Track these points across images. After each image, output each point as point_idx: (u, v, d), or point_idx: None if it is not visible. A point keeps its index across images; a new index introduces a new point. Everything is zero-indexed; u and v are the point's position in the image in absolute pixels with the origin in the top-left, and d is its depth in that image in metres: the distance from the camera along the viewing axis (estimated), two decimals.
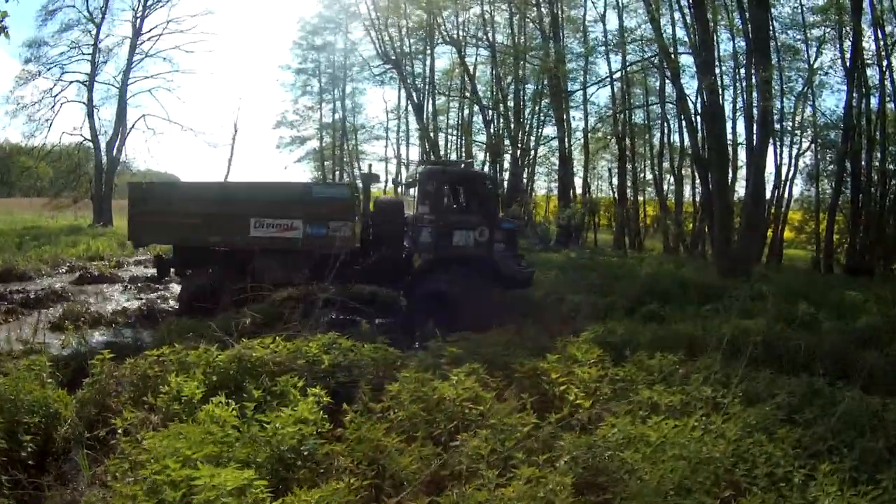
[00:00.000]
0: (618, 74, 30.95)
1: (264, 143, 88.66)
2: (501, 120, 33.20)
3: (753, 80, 20.26)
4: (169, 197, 11.10)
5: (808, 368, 6.59)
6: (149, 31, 30.99)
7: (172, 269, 11.77)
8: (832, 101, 38.91)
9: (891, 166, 25.79)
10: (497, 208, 11.01)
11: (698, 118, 24.69)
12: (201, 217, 10.53)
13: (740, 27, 24.24)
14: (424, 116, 33.35)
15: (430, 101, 34.81)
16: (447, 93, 36.62)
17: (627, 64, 30.41)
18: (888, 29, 24.83)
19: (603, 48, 30.27)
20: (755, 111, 20.91)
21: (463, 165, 12.26)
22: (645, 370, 5.77)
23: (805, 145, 28.74)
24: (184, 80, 54.22)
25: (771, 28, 22.20)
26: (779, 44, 25.99)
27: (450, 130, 37.77)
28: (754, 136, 20.83)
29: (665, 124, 31.36)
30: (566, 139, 31.53)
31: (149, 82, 31.73)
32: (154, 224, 10.90)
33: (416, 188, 11.45)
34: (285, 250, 10.42)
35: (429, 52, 33.88)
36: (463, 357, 5.76)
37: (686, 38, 24.56)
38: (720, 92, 23.03)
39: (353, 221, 10.29)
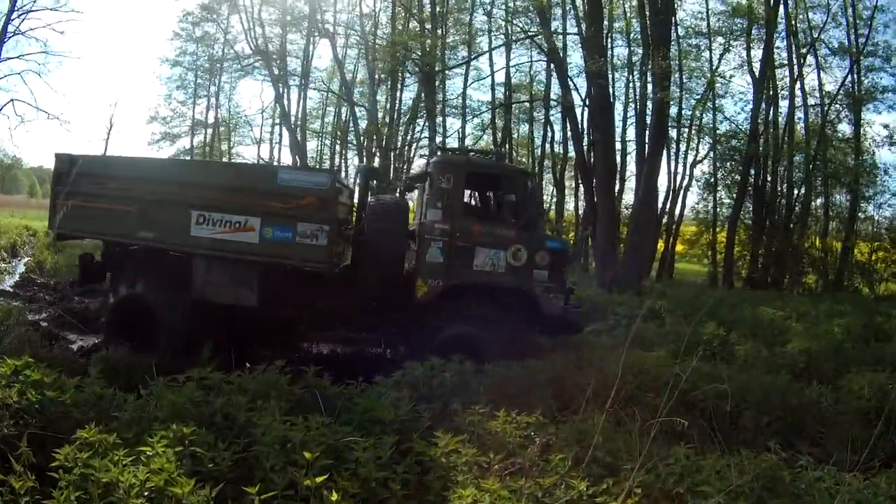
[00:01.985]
0: (500, 72, 29.63)
1: (141, 139, 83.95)
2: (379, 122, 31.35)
3: (649, 79, 19.53)
4: (102, 175, 8.02)
5: (737, 425, 5.66)
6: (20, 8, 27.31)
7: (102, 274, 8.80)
8: (733, 108, 39.99)
9: (798, 175, 25.51)
10: (539, 220, 7.87)
11: (584, 123, 23.74)
12: (134, 204, 7.68)
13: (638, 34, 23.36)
14: (297, 115, 32.25)
15: (303, 101, 33.79)
16: (323, 89, 35.00)
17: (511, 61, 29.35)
18: (801, 37, 24.78)
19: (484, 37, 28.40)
20: (648, 118, 20.00)
21: (493, 156, 8.94)
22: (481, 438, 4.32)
23: (703, 152, 28.44)
24: (63, 72, 51.42)
25: (673, 31, 21.40)
26: (680, 48, 25.10)
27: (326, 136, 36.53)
28: (646, 135, 19.64)
29: (549, 129, 30.64)
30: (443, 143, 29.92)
31: (19, 64, 28.22)
32: (81, 210, 7.98)
33: (425, 186, 8.19)
34: (236, 260, 7.43)
35: (312, 46, 32.43)
36: None
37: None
38: (612, 95, 23.45)
39: (331, 226, 7.24)
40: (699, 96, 27.02)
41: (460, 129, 30.90)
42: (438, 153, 8.41)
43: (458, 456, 3.84)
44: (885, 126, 29.33)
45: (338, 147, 35.34)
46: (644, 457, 3.72)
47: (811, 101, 25.90)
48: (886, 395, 6.40)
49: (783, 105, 25.59)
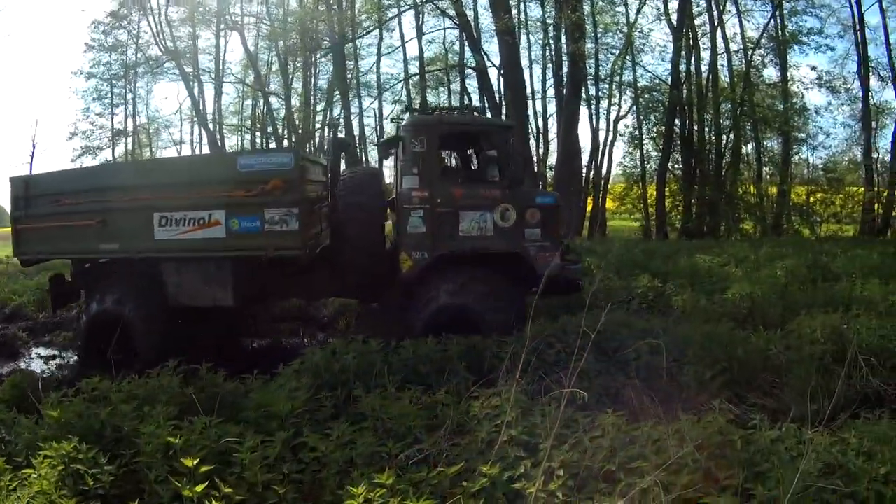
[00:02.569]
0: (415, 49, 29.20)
1: (65, 156, 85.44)
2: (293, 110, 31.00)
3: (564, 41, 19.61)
4: (56, 191, 7.58)
5: (677, 383, 5.18)
6: None
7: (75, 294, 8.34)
8: (654, 61, 38.25)
9: (726, 122, 25.19)
10: (525, 175, 7.30)
11: (502, 86, 23.27)
12: (92, 216, 7.25)
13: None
14: (214, 112, 31.70)
15: (219, 97, 33.24)
16: (237, 83, 34.25)
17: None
18: None
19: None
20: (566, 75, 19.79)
21: (468, 112, 8.34)
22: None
23: (626, 107, 28.06)
24: None
25: None
26: (594, 4, 25.23)
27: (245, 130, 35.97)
28: (564, 90, 19.99)
29: (466, 98, 29.87)
30: (359, 125, 29.88)
31: None
32: (41, 231, 7.62)
33: (399, 152, 7.58)
34: (206, 259, 6.96)
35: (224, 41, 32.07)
36: None
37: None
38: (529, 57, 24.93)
39: (301, 207, 6.75)
40: (618, 52, 26.78)
41: (377, 108, 30.74)
42: (410, 114, 7.88)
43: (353, 448, 3.57)
44: (813, 68, 29.48)
45: (258, 139, 34.75)
46: (561, 430, 3.36)
47: (734, 47, 25.75)
48: (842, 337, 6.10)
49: (706, 55, 25.44)
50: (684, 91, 24.59)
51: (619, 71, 27.34)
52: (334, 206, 7.53)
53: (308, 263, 7.25)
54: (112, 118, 36.81)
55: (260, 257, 7.06)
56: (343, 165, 8.53)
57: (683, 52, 24.08)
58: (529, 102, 24.29)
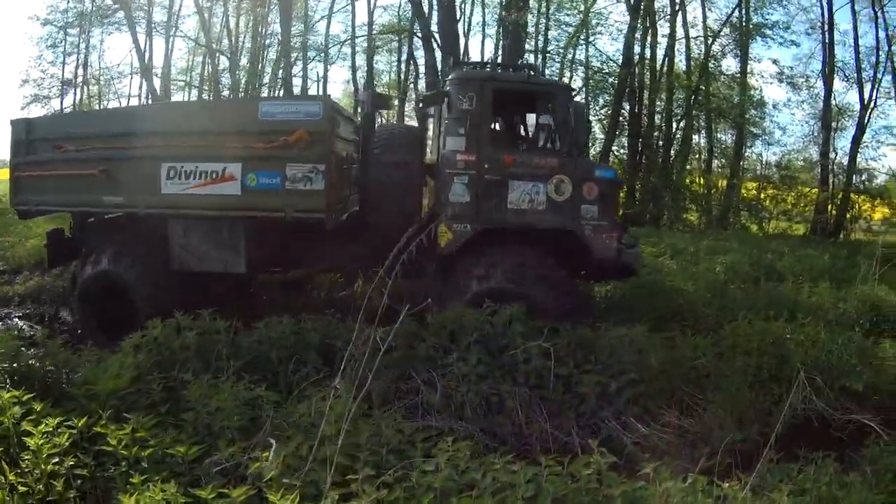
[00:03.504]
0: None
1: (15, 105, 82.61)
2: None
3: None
4: (59, 136, 6.76)
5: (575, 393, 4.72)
6: None
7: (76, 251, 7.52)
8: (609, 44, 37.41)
9: (678, 110, 24.34)
10: (585, 145, 6.42)
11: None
12: (96, 165, 6.42)
13: None
14: (164, 67, 30.59)
15: (170, 52, 31.83)
16: (185, 37, 32.69)
17: None
18: None
19: None
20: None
21: (523, 70, 7.32)
22: None
23: (576, 87, 26.35)
24: None
25: None
26: None
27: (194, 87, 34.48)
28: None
29: (413, 65, 29.03)
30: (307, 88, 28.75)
31: None
32: (41, 180, 6.79)
33: (442, 110, 6.66)
34: (217, 218, 6.12)
35: None
36: None
37: None
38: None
39: (328, 165, 5.89)
40: (571, 31, 25.80)
41: (323, 74, 29.90)
42: (458, 68, 6.90)
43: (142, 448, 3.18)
44: (775, 61, 29.24)
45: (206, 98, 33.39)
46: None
47: (694, 33, 24.97)
48: (781, 347, 5.39)
49: (665, 41, 24.45)
50: (637, 74, 23.71)
51: (571, 49, 26.41)
52: (366, 168, 6.62)
53: (332, 230, 6.39)
54: (63, 67, 35.06)
55: (278, 219, 6.21)
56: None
57: (639, 35, 23.19)
58: None
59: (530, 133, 7.60)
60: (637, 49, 23.40)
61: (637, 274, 6.96)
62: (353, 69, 30.26)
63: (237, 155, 6.12)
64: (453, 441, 3.08)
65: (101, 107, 33.68)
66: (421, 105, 7.25)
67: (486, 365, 4.71)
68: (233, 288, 7.17)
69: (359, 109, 6.80)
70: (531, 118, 7.68)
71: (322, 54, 29.62)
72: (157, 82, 30.48)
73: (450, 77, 6.64)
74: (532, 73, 6.94)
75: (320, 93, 29.91)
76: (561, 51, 26.50)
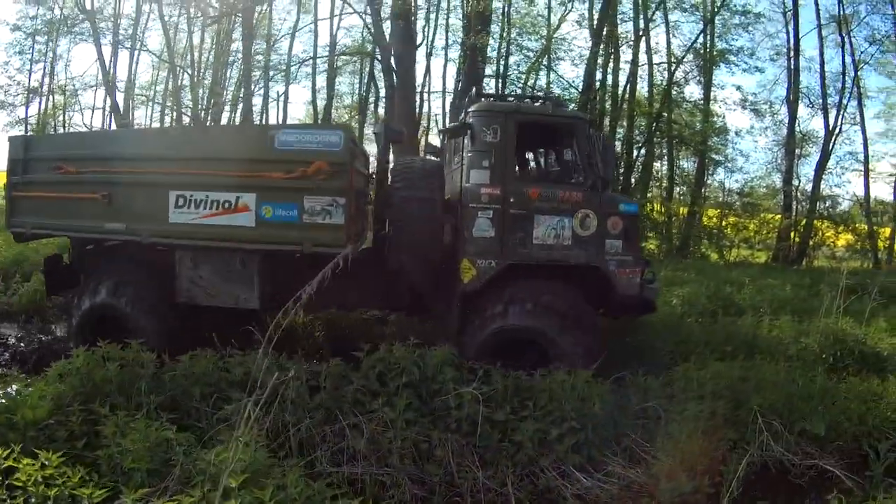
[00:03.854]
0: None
1: None
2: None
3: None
4: (60, 156, 6.37)
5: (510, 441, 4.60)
6: None
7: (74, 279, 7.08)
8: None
9: (638, 136, 24.38)
10: (612, 178, 6.44)
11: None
12: (99, 189, 6.08)
13: None
14: (129, 80, 29.84)
15: (135, 65, 31.30)
16: (148, 51, 31.97)
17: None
18: None
19: None
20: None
21: (546, 102, 7.11)
22: None
23: None
24: None
25: None
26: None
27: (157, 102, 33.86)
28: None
29: (374, 86, 28.44)
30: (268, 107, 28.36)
31: None
32: (39, 202, 6.43)
33: (462, 143, 6.45)
34: (229, 250, 5.81)
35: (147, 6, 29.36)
36: None
37: None
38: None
39: (348, 198, 5.62)
40: (533, 54, 25.49)
41: (284, 93, 29.60)
42: (481, 100, 6.68)
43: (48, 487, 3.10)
44: (738, 88, 29.25)
45: (168, 115, 32.53)
46: None
47: (657, 59, 24.96)
48: (737, 389, 5.23)
49: (628, 67, 24.39)
50: (598, 100, 23.49)
51: (533, 74, 26.11)
52: (386, 202, 6.36)
53: (346, 266, 6.10)
54: (30, 75, 34.10)
55: (294, 253, 5.93)
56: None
57: (601, 61, 23.05)
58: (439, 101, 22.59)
59: (552, 166, 7.44)
60: (599, 75, 23.30)
61: (655, 309, 6.82)
62: (314, 90, 29.74)
63: (252, 184, 5.81)
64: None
65: (65, 118, 33.17)
66: (442, 137, 6.97)
67: (416, 410, 4.56)
68: (241, 322, 6.87)
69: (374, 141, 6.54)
70: (551, 151, 7.57)
71: (283, 74, 28.98)
72: (119, 96, 29.78)
73: (472, 109, 6.42)
74: (555, 105, 6.72)
75: (281, 113, 29.72)
76: (522, 76, 26.24)
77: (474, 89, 6.47)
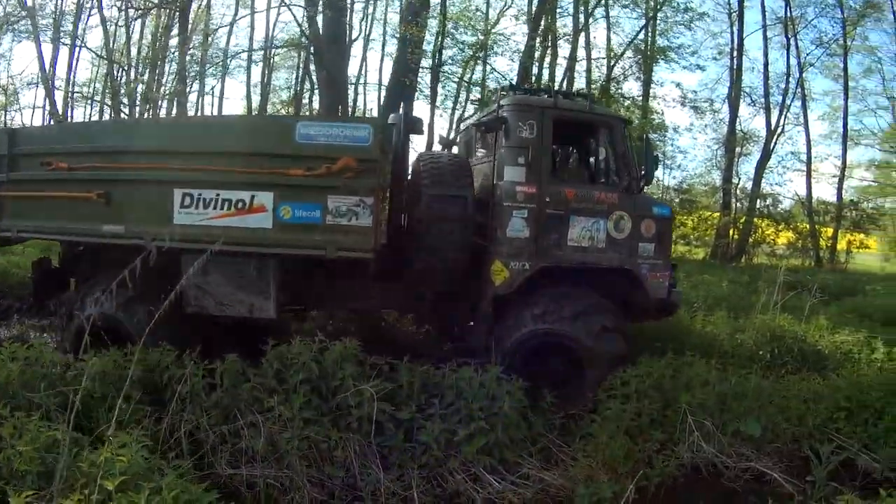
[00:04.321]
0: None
1: None
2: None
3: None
4: (50, 151, 5.63)
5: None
6: None
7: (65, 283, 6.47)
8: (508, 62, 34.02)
9: None
10: (650, 179, 6.15)
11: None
12: (95, 187, 5.40)
13: None
14: (70, 77, 28.72)
15: (76, 62, 30.13)
16: (88, 47, 30.49)
17: None
18: None
19: None
20: None
21: (581, 98, 6.65)
22: None
23: (470, 110, 25.80)
24: None
25: None
26: None
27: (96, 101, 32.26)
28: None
29: (309, 80, 27.63)
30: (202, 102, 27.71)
31: None
32: (27, 202, 5.81)
33: (495, 138, 6.00)
34: (243, 254, 5.22)
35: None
36: None
37: None
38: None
39: (376, 198, 5.08)
40: (469, 50, 24.99)
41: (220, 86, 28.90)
42: (514, 92, 6.19)
43: None
44: (678, 85, 29.88)
45: (107, 111, 30.70)
46: None
47: (597, 54, 24.75)
48: (667, 391, 5.04)
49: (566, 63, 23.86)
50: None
51: (470, 69, 25.64)
52: (411, 200, 5.83)
53: (366, 269, 5.68)
54: None
55: (316, 258, 5.38)
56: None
57: (538, 54, 22.41)
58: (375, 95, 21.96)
59: (586, 166, 7.10)
60: (536, 70, 22.68)
61: (673, 313, 6.67)
62: (249, 85, 29.05)
63: (268, 182, 5.18)
64: None
65: (6, 118, 31.15)
66: (473, 132, 6.44)
67: (315, 408, 4.34)
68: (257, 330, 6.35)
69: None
70: (585, 150, 7.23)
71: (220, 68, 27.94)
72: (59, 95, 28.38)
73: (507, 102, 5.95)
74: (590, 102, 6.35)
75: (216, 107, 28.80)
76: (459, 70, 25.73)
77: (509, 83, 5.97)
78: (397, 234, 6.24)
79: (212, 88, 29.44)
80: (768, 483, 4.52)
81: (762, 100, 23.70)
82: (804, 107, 24.15)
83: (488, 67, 25.10)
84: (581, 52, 23.62)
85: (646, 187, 6.19)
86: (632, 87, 25.49)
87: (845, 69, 25.02)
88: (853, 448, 4.95)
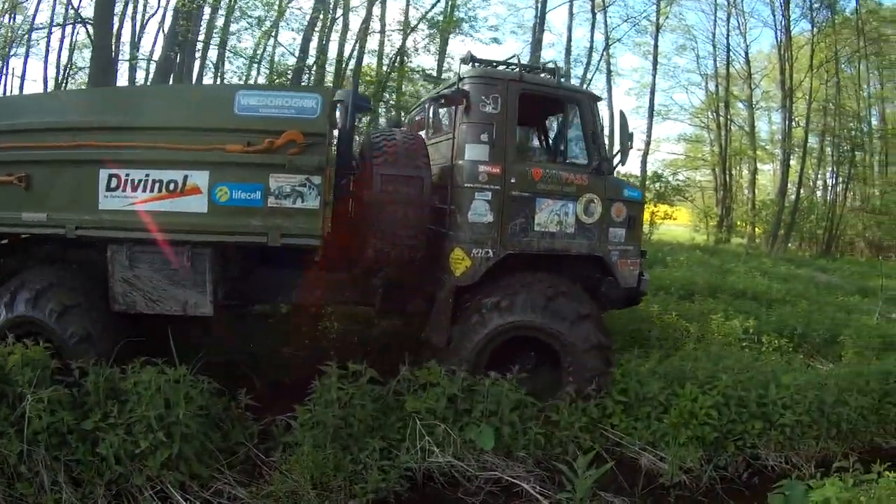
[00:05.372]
0: None
1: None
2: None
3: None
4: None
5: None
6: None
7: None
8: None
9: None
10: (627, 155, 5.73)
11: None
12: (16, 169, 4.75)
13: None
14: None
15: None
16: None
17: None
18: None
19: None
20: None
21: (544, 73, 6.11)
22: None
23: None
24: None
25: None
26: None
27: None
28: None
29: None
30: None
31: None
32: None
33: (457, 112, 5.46)
34: (175, 244, 4.59)
35: None
36: None
37: None
38: None
39: (324, 177, 4.49)
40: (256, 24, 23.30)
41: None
42: (474, 64, 5.68)
43: None
44: (473, 57, 28.22)
45: None
46: None
47: (393, 26, 23.69)
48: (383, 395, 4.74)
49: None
50: (317, 68, 21.79)
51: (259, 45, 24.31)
52: (363, 182, 5.24)
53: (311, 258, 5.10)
54: None
55: (257, 246, 4.75)
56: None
57: (321, 25, 21.48)
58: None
59: (552, 144, 6.60)
60: (319, 41, 21.82)
61: (638, 303, 6.28)
62: (46, 63, 25.64)
63: (203, 160, 4.59)
64: None
65: None
66: (432, 106, 5.87)
67: (4, 419, 3.88)
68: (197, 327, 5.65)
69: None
70: (552, 127, 6.78)
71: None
72: None
73: (469, 74, 5.43)
74: (553, 76, 5.87)
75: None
76: (248, 47, 24.47)
77: (468, 52, 5.43)
78: (343, 220, 5.62)
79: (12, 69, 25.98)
80: (519, 496, 4.09)
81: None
82: (609, 81, 24.91)
83: (278, 45, 23.77)
84: (376, 24, 22.66)
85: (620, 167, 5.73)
86: (429, 62, 25.01)
87: (655, 46, 26.02)
88: (634, 446, 4.64)
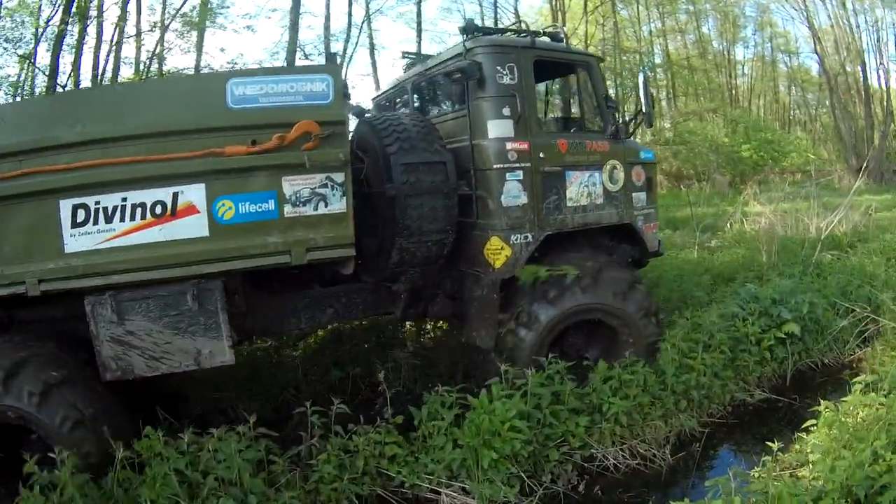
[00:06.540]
0: None
1: None
2: None
3: None
4: None
5: None
6: None
7: None
8: None
9: None
10: (647, 122, 5.34)
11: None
12: None
13: None
14: None
15: None
16: None
17: None
18: None
19: None
20: None
21: (544, 38, 5.34)
22: None
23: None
24: None
25: None
26: None
27: None
28: None
29: None
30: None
31: None
32: None
33: (467, 88, 4.72)
34: (174, 281, 3.68)
35: None
36: None
37: None
38: None
39: (347, 174, 3.63)
40: None
41: None
42: (481, 35, 4.95)
43: None
44: (222, 49, 30.78)
45: None
46: None
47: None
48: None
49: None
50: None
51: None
52: (380, 172, 4.41)
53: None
54: None
55: (279, 267, 3.85)
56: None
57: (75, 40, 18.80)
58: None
59: (567, 112, 6.29)
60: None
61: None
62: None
63: (195, 170, 3.60)
64: None
65: None
66: (449, 80, 5.11)
67: None
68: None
69: None
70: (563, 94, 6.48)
71: None
72: None
73: (478, 45, 4.68)
74: (556, 37, 5.38)
75: None
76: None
77: (470, 20, 4.78)
78: (358, 222, 4.81)
79: None
80: None
81: (323, 52, 23.36)
82: (372, 55, 24.76)
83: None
84: (132, 30, 20.55)
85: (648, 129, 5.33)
86: (188, 62, 23.46)
87: (419, 13, 25.41)
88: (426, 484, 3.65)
